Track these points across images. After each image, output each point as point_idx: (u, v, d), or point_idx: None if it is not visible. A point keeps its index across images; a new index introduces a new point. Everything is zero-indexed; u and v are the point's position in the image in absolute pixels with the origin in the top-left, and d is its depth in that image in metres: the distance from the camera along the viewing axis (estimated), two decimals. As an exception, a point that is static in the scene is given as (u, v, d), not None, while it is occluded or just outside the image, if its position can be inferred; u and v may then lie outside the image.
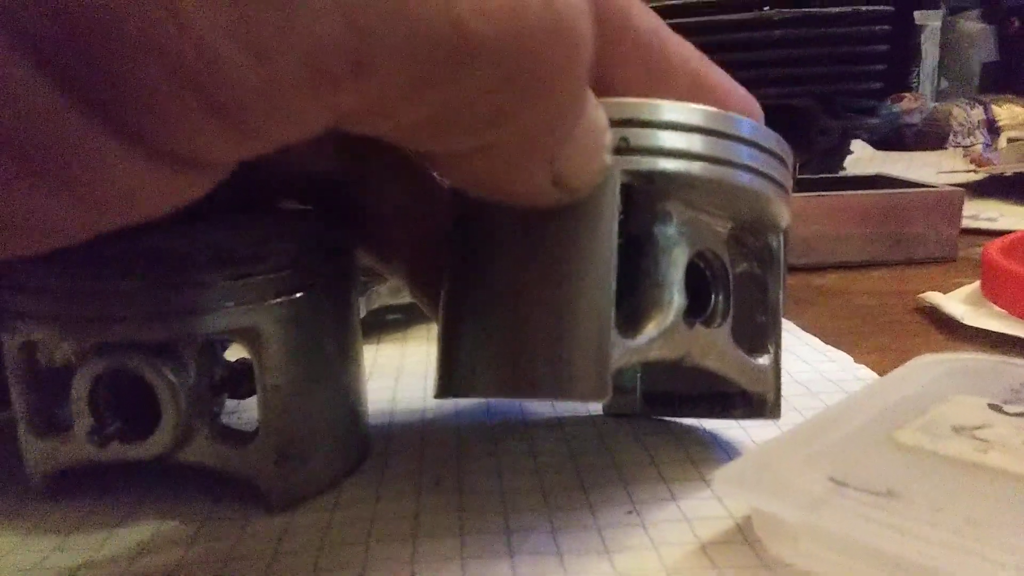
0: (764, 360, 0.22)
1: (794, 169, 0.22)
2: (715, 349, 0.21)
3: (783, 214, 0.21)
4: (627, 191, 0.18)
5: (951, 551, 0.15)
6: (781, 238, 0.22)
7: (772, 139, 0.20)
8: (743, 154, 0.19)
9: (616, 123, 0.17)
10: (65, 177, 0.10)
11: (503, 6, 0.12)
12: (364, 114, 0.12)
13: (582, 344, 0.17)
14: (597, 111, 0.16)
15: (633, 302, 0.19)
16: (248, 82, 0.10)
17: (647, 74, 0.19)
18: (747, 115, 0.20)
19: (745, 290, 0.22)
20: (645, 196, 0.19)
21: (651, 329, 0.19)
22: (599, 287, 0.17)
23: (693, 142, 0.18)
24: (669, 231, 0.19)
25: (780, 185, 0.20)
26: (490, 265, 0.18)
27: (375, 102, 0.12)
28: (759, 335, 0.22)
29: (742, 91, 0.21)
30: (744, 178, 0.19)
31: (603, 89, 0.16)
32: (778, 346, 0.22)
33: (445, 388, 0.19)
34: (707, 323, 0.21)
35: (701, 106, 0.18)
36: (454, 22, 0.11)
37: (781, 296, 0.22)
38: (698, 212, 0.20)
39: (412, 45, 0.11)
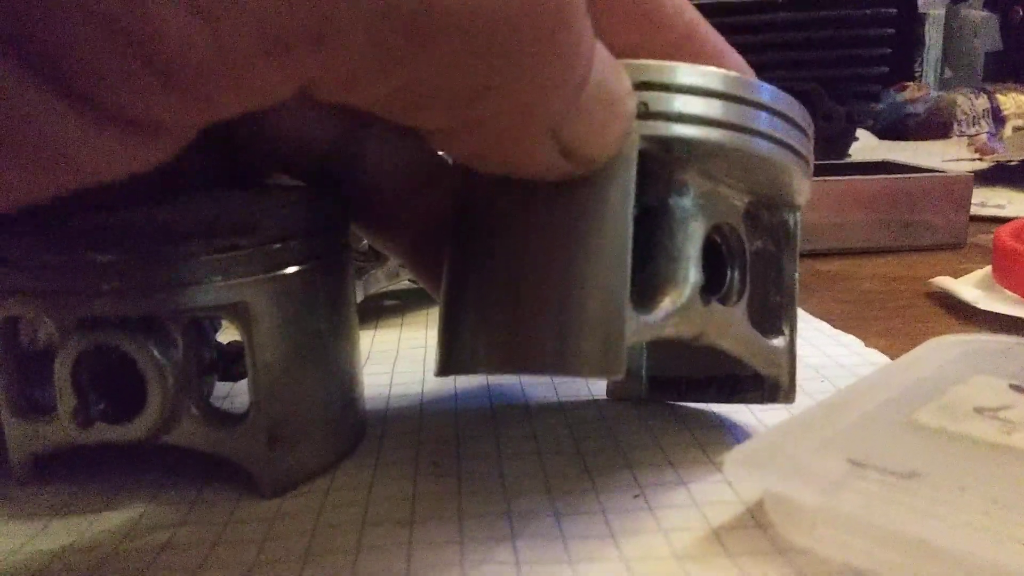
0: (779, 342, 0.21)
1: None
2: (731, 328, 0.20)
3: (802, 189, 0.20)
4: (643, 159, 0.17)
5: (978, 533, 0.14)
6: (798, 215, 0.21)
7: (794, 107, 0.19)
8: (765, 121, 0.18)
9: (635, 86, 0.16)
10: (8, 136, 0.10)
11: None
12: (330, 85, 0.11)
13: (593, 318, 0.16)
14: (613, 74, 0.15)
15: (647, 276, 0.18)
16: (196, 46, 0.10)
17: (636, 22, 0.18)
18: None
19: (759, 269, 0.21)
20: (661, 165, 0.18)
21: (666, 304, 0.18)
22: (613, 260, 0.16)
23: (714, 107, 0.17)
24: (686, 203, 0.18)
25: (801, 156, 0.19)
26: (497, 237, 0.18)
27: (340, 73, 0.11)
28: (773, 316, 0.22)
29: (737, 55, 0.20)
30: (764, 146, 0.18)
31: None
32: (793, 328, 0.22)
33: (446, 365, 0.18)
34: (723, 300, 0.20)
35: (722, 70, 0.17)
36: None
37: (797, 276, 0.21)
38: (716, 183, 0.19)
39: (374, 15, 0.10)
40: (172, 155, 0.12)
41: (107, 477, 0.21)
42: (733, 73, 0.18)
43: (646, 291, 0.18)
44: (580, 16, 0.13)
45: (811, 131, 0.20)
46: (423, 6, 0.11)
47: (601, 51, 0.14)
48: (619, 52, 0.16)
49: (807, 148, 0.20)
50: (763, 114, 0.18)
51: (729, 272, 0.20)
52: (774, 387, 0.22)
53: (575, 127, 0.14)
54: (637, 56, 0.17)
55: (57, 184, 0.11)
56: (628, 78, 0.16)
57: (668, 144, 0.17)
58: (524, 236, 0.17)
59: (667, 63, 0.17)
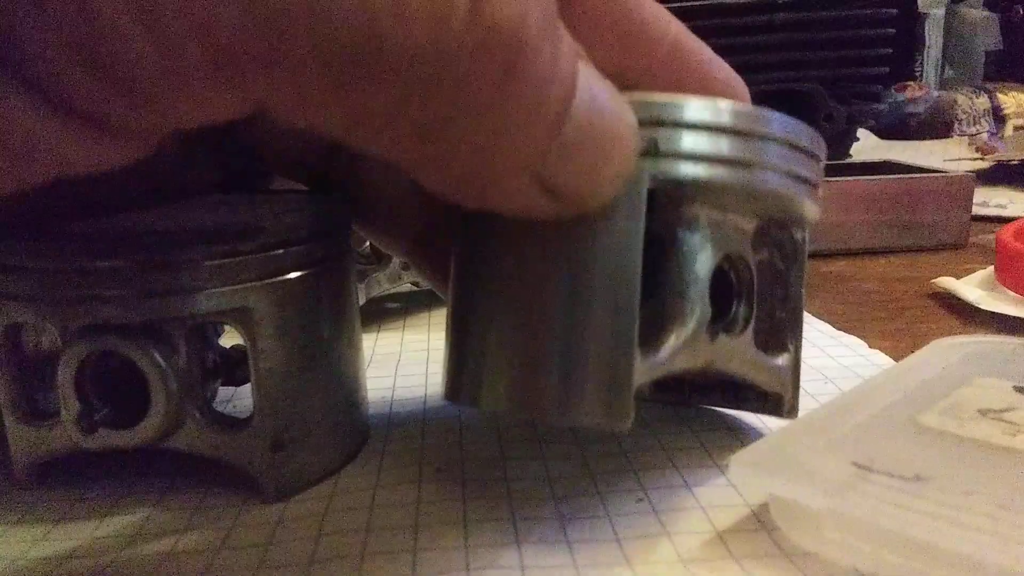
0: (783, 360, 0.21)
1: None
2: (737, 356, 0.20)
3: (812, 211, 0.20)
4: (651, 193, 0.16)
5: (986, 536, 0.14)
6: (806, 232, 0.21)
7: (805, 134, 0.19)
8: (777, 155, 0.18)
9: (643, 123, 0.15)
10: None
11: (422, 14, 0.11)
12: (282, 106, 0.11)
13: (597, 367, 0.16)
14: (609, 111, 0.14)
15: (653, 310, 0.18)
16: (144, 58, 0.10)
17: (621, 41, 0.18)
18: (731, 90, 0.19)
19: (766, 285, 0.21)
20: (671, 198, 0.17)
21: (672, 342, 0.18)
22: (620, 307, 0.16)
23: (726, 144, 0.17)
24: (695, 237, 0.18)
25: (812, 184, 0.19)
26: (500, 266, 0.17)
27: (291, 96, 0.11)
28: (779, 333, 0.21)
29: (723, 64, 0.20)
30: (776, 180, 0.18)
31: None
32: (798, 345, 0.21)
33: (452, 392, 0.18)
34: (729, 329, 0.20)
35: (734, 103, 0.17)
36: (368, 25, 0.10)
37: (804, 293, 0.21)
38: (725, 213, 0.19)
39: (322, 43, 0.10)
40: (146, 154, 0.12)
41: (110, 482, 0.21)
42: (745, 107, 0.17)
43: (651, 326, 0.18)
44: (541, 57, 0.12)
45: (823, 153, 0.20)
46: (370, 36, 0.10)
47: (593, 86, 0.14)
48: (606, 73, 0.15)
49: (818, 173, 0.19)
50: (775, 147, 0.17)
51: (736, 303, 0.20)
52: (777, 402, 0.22)
53: (558, 167, 0.14)
54: (625, 77, 0.17)
55: (27, 176, 0.11)
56: (632, 114, 0.15)
57: (679, 183, 0.17)
58: (528, 273, 0.17)
59: (677, 97, 0.16)
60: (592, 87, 0.13)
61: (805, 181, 0.19)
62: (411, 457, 0.22)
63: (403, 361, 0.31)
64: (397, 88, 0.11)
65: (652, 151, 0.16)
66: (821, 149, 0.19)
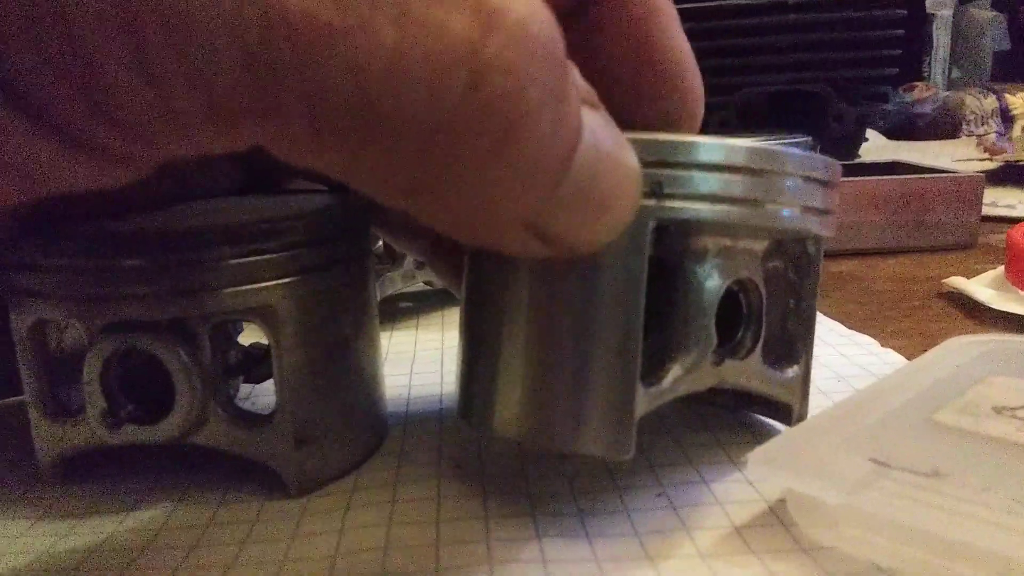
0: (793, 371, 0.21)
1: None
2: (744, 375, 0.20)
3: (827, 233, 0.20)
4: (659, 226, 0.16)
5: (1002, 532, 0.14)
6: (820, 245, 0.21)
7: (820, 166, 0.18)
8: (789, 191, 0.17)
9: (648, 164, 0.15)
10: None
11: (417, 86, 0.10)
12: (276, 150, 0.12)
13: (602, 402, 0.16)
14: (610, 159, 0.14)
15: (660, 337, 0.18)
16: (140, 103, 0.10)
17: (639, 69, 0.17)
18: (692, 85, 0.18)
19: (778, 295, 0.21)
20: (678, 230, 0.18)
21: (675, 371, 0.18)
22: (623, 342, 0.16)
23: (736, 184, 0.16)
24: (702, 267, 0.18)
25: (826, 212, 0.19)
26: (508, 295, 0.17)
27: (285, 144, 0.11)
28: (790, 345, 0.21)
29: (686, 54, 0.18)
30: (788, 215, 0.18)
31: None
32: (809, 356, 0.21)
33: (464, 412, 0.19)
34: (735, 353, 0.20)
35: (745, 142, 0.17)
36: (358, 90, 0.10)
37: (816, 305, 0.21)
38: (735, 240, 0.18)
39: (313, 102, 0.10)
40: (144, 176, 0.12)
41: (133, 478, 0.22)
42: (757, 144, 0.17)
43: (657, 353, 0.18)
44: (541, 124, 0.12)
45: (837, 177, 0.19)
46: (359, 101, 0.10)
47: (598, 136, 0.13)
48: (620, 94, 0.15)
49: (832, 200, 0.19)
50: (788, 183, 0.17)
51: (743, 328, 0.20)
52: (786, 411, 0.22)
53: (553, 219, 0.13)
54: (640, 94, 0.17)
55: (26, 192, 0.12)
56: (636, 159, 0.14)
57: (685, 223, 0.17)
58: (536, 306, 0.17)
59: (683, 138, 0.16)
60: (597, 137, 0.13)
61: (819, 211, 0.19)
62: (430, 454, 0.22)
63: (418, 359, 0.31)
64: (388, 148, 0.11)
65: (657, 193, 0.16)
66: (836, 175, 0.19)
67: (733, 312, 0.20)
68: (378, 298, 0.35)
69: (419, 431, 0.24)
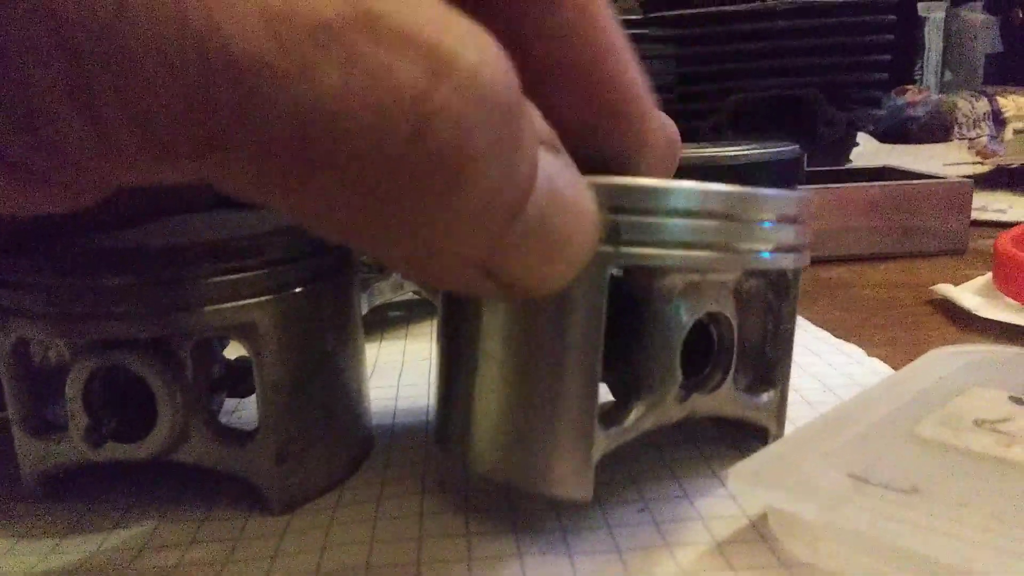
0: (769, 396, 0.21)
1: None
2: (715, 406, 0.20)
3: (800, 264, 0.19)
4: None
5: (980, 549, 0.14)
6: (798, 270, 0.20)
7: (792, 203, 0.18)
8: (762, 234, 0.17)
9: (607, 209, 0.15)
10: None
11: (363, 127, 0.10)
12: (219, 183, 0.11)
13: (561, 443, 0.17)
14: (568, 202, 0.13)
15: (624, 371, 0.18)
16: (76, 135, 0.10)
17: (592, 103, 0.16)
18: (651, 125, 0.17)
19: (756, 316, 0.21)
20: (642, 270, 0.17)
21: (638, 410, 0.18)
22: (582, 385, 0.16)
23: (700, 230, 0.16)
24: (668, 306, 0.18)
25: (799, 249, 0.19)
26: (478, 330, 0.18)
27: (226, 178, 0.11)
28: (767, 370, 0.21)
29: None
30: (760, 258, 0.17)
31: None
32: (786, 379, 0.21)
33: (440, 439, 0.19)
34: (702, 387, 0.19)
35: (714, 186, 0.16)
36: (300, 131, 0.10)
37: (794, 329, 0.21)
38: (704, 275, 0.18)
39: (257, 141, 0.10)
40: (90, 203, 0.12)
41: (117, 495, 0.22)
42: (730, 188, 0.16)
43: (621, 391, 0.18)
44: (490, 170, 0.11)
45: (811, 209, 0.19)
46: (300, 142, 0.10)
47: (554, 179, 0.13)
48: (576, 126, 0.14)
49: (805, 234, 0.19)
50: (761, 226, 0.17)
51: (711, 364, 0.20)
52: (763, 432, 0.21)
53: (505, 261, 0.13)
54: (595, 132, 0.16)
55: None
56: (594, 204, 0.14)
57: (648, 268, 0.17)
58: (502, 346, 0.17)
59: (641, 183, 0.16)
60: (553, 182, 0.13)
61: (791, 249, 0.18)
62: (415, 468, 0.22)
63: (406, 370, 0.31)
64: (331, 190, 0.11)
65: (614, 239, 0.15)
66: (809, 209, 0.19)
67: (702, 343, 0.19)
68: (366, 308, 0.35)
69: (404, 444, 0.24)
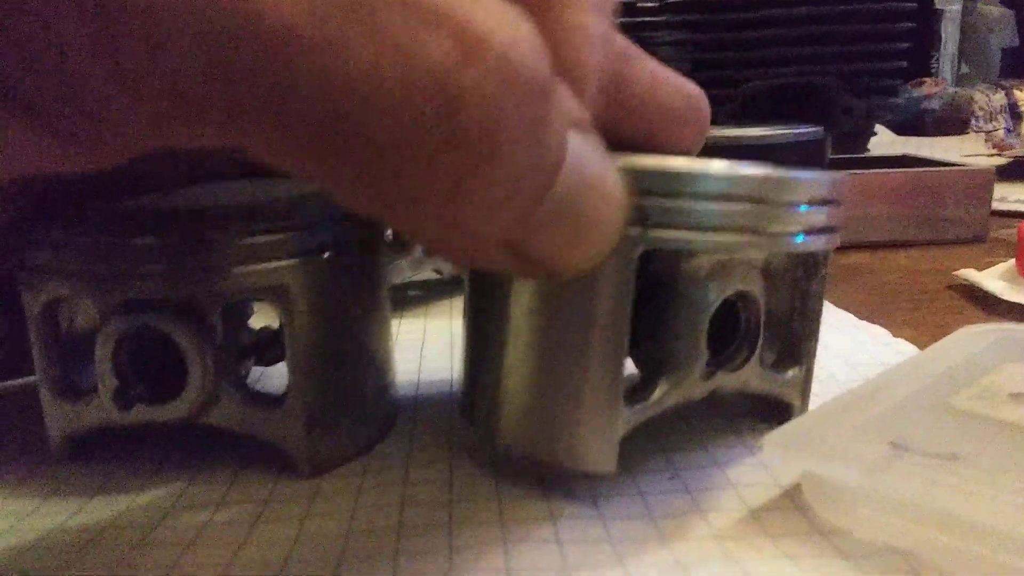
0: (794, 373, 0.21)
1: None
2: (740, 383, 0.20)
3: (831, 246, 0.19)
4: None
5: (1021, 513, 0.14)
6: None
7: (825, 185, 0.17)
8: (795, 217, 0.17)
9: (635, 191, 0.14)
10: None
11: (392, 103, 0.10)
12: (249, 148, 0.11)
13: (592, 419, 0.17)
14: (595, 183, 0.13)
15: (651, 348, 0.18)
16: (115, 104, 0.10)
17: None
18: (685, 108, 0.17)
19: (784, 293, 0.21)
20: (671, 251, 0.17)
21: (662, 387, 0.18)
22: (608, 363, 0.16)
23: (730, 213, 0.16)
24: (695, 287, 0.18)
25: (832, 230, 0.18)
26: (506, 309, 0.18)
27: (254, 143, 0.11)
28: (794, 346, 0.21)
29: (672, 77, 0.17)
30: (792, 242, 0.17)
31: None
32: (812, 359, 0.21)
33: (466, 413, 0.20)
34: (727, 364, 0.19)
35: (745, 169, 0.16)
36: (329, 106, 0.10)
37: (821, 308, 0.21)
38: (733, 254, 0.18)
39: (284, 109, 0.10)
40: (120, 162, 0.12)
41: (144, 458, 0.22)
42: (762, 171, 0.16)
43: (646, 367, 0.18)
44: (517, 153, 0.11)
45: (843, 192, 0.18)
46: (327, 113, 0.10)
47: (583, 160, 0.13)
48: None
49: (839, 217, 0.18)
50: (794, 209, 0.17)
51: (737, 343, 0.19)
52: (788, 409, 0.21)
53: (532, 242, 0.13)
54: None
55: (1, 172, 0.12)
56: (622, 187, 0.14)
57: (676, 251, 0.17)
58: (530, 323, 0.17)
59: (672, 167, 0.15)
60: (582, 162, 0.13)
61: (823, 231, 0.18)
62: (442, 437, 0.22)
63: (427, 346, 0.31)
64: (358, 162, 0.11)
65: (643, 222, 0.15)
66: (842, 192, 0.18)
67: (729, 319, 0.19)
68: (387, 286, 0.35)
69: (430, 414, 0.24)
